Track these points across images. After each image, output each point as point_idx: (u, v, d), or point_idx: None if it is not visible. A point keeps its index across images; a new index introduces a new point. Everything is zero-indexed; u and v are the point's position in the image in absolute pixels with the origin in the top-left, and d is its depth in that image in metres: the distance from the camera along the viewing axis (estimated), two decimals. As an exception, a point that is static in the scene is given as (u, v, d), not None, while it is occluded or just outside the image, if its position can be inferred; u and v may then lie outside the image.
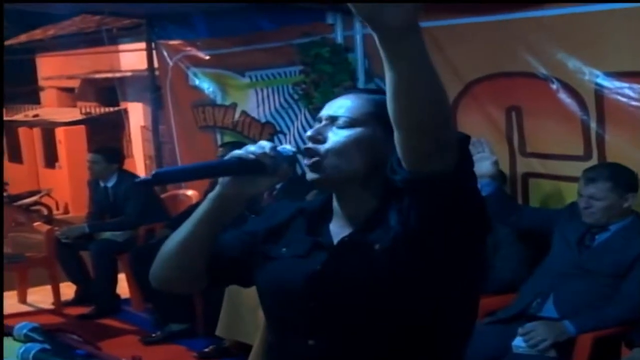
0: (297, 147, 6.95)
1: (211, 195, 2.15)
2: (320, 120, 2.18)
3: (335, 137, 2.12)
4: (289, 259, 2.21)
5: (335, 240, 2.17)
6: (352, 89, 2.29)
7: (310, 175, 2.14)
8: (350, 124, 2.12)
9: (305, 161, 2.14)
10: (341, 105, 2.17)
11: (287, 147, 2.12)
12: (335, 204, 2.22)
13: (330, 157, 2.11)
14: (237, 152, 2.07)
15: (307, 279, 2.13)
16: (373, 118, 2.13)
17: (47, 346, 2.81)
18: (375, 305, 2.06)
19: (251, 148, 2.06)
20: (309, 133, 2.15)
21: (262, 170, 2.06)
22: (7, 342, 2.93)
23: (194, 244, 2.21)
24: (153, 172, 1.98)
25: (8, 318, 4.87)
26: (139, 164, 14.81)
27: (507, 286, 4.89)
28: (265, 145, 2.07)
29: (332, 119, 2.15)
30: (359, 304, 2.07)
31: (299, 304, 2.15)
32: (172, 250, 2.25)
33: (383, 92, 2.28)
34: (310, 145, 2.14)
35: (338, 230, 2.19)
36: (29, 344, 2.81)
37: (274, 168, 2.08)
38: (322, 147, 2.12)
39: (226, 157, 2.08)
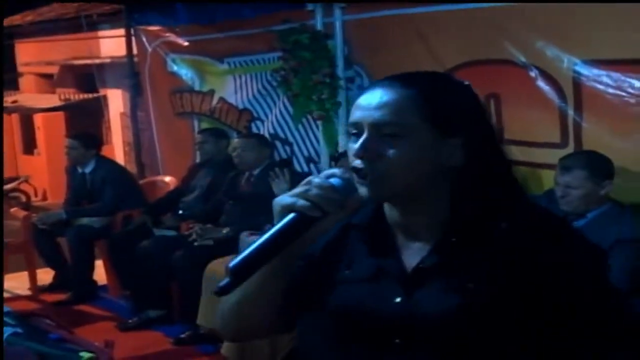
0: (274, 162, 6.97)
1: None
2: (358, 128, 1.86)
3: (389, 152, 1.81)
4: (357, 283, 1.92)
5: (409, 263, 1.89)
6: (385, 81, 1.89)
7: (363, 191, 1.84)
8: (401, 131, 1.81)
9: (358, 179, 1.84)
10: (381, 107, 1.83)
11: (336, 172, 1.82)
12: (392, 214, 1.94)
13: (388, 176, 1.81)
14: (295, 204, 1.77)
15: (388, 310, 1.85)
16: (422, 119, 1.82)
17: (19, 330, 2.80)
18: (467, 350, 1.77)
19: (312, 192, 1.77)
20: (356, 148, 1.83)
21: (328, 214, 1.80)
22: (-22, 325, 2.92)
23: (264, 297, 1.95)
24: (228, 267, 1.72)
25: (-17, 303, 4.84)
26: (118, 150, 14.75)
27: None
28: (320, 184, 1.79)
29: (375, 127, 1.82)
30: (447, 345, 1.79)
31: (379, 337, 1.86)
32: (242, 306, 1.99)
33: (423, 80, 1.92)
34: (359, 164, 1.83)
35: (408, 249, 1.91)
36: (0, 328, 2.80)
37: (340, 207, 1.81)
38: (377, 166, 1.81)
39: (281, 215, 1.78)
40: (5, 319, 2.96)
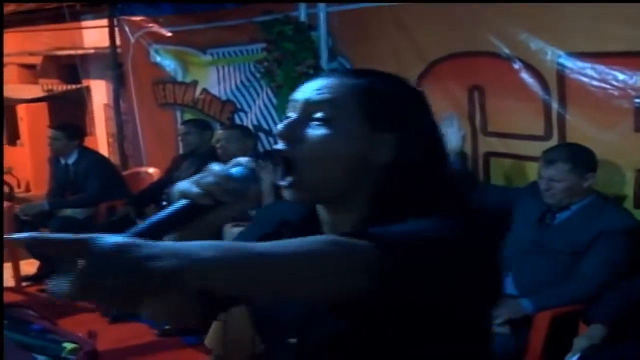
0: (258, 154, 6.90)
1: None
2: (293, 107, 1.78)
3: (314, 136, 1.72)
4: None
5: None
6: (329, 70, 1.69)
7: (287, 195, 1.75)
8: (331, 116, 1.71)
9: (279, 171, 1.75)
10: (320, 89, 1.75)
11: (242, 161, 1.70)
12: (322, 212, 1.84)
13: (308, 168, 1.71)
14: (189, 191, 1.63)
15: (292, 310, 1.78)
16: (355, 108, 1.72)
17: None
18: (373, 345, 1.64)
19: (206, 180, 1.63)
20: (279, 128, 1.74)
21: (223, 204, 1.66)
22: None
23: None
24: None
25: (-35, 295, 4.82)
26: (101, 141, 14.71)
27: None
28: (216, 172, 1.64)
29: (308, 107, 1.75)
30: (349, 342, 1.68)
31: (279, 335, 1.83)
32: None
33: (371, 75, 1.82)
34: (279, 146, 1.74)
35: None
36: (-18, 319, 2.79)
37: (236, 197, 1.66)
38: (298, 149, 1.72)
39: (176, 199, 1.64)
40: (-12, 310, 2.96)
